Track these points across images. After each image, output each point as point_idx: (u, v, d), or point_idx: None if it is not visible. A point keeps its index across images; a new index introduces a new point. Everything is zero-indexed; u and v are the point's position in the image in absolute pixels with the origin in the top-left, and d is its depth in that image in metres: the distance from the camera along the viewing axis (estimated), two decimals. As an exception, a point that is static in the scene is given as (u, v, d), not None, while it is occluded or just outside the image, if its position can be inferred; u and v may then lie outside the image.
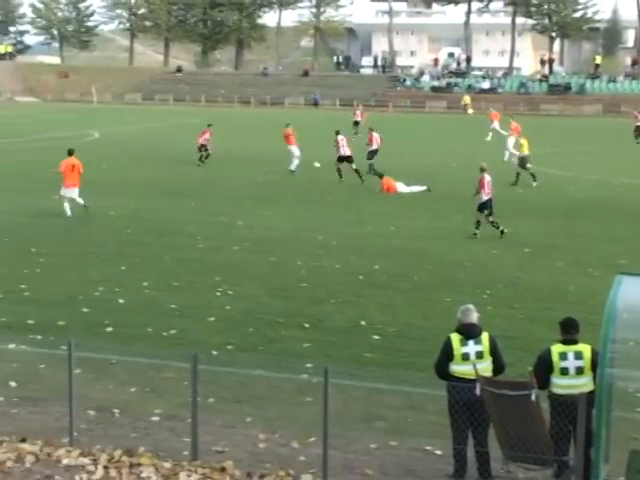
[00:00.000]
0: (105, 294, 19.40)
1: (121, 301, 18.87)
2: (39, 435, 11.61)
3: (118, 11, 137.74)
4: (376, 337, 16.62)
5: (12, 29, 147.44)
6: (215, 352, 15.31)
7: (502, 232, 26.04)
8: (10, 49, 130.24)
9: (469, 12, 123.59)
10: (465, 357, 10.63)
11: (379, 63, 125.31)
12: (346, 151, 38.56)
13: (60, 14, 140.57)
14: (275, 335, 16.73)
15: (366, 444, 11.86)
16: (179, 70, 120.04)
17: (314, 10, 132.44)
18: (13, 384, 13.86)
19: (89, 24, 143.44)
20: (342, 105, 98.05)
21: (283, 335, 16.74)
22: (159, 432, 12.20)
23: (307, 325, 17.35)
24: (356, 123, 62.22)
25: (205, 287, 20.14)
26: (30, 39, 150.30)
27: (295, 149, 41.18)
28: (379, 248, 24.68)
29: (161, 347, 15.47)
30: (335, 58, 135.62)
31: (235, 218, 28.68)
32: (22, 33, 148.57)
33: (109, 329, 16.87)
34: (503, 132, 54.61)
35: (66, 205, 28.86)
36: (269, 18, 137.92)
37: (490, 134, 58.70)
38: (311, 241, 25.61)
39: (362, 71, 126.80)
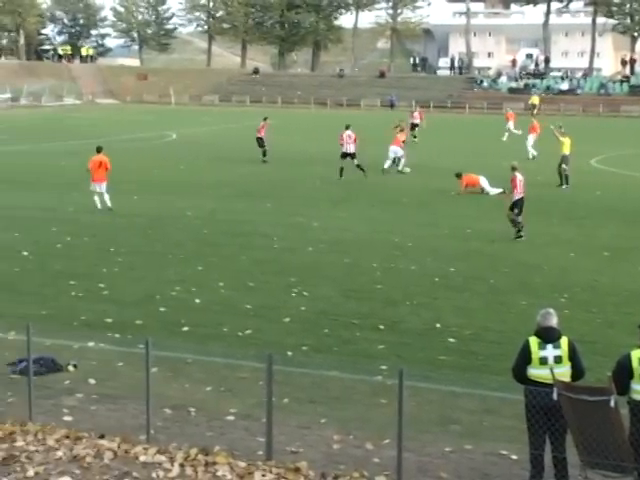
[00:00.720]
0: (182, 294, 19.60)
1: (197, 301, 19.04)
2: (117, 432, 11.76)
3: (196, 14, 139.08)
4: (451, 340, 16.51)
5: (94, 32, 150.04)
6: (290, 353, 15.36)
7: (520, 236, 25.83)
8: (91, 52, 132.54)
9: (548, 12, 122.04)
10: (543, 361, 10.49)
11: (456, 64, 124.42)
12: (349, 148, 38.95)
13: (140, 17, 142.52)
14: (350, 336, 16.71)
15: (441, 447, 11.78)
16: (256, 72, 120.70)
17: (391, 11, 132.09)
18: (92, 381, 14.09)
19: (168, 27, 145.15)
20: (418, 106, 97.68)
21: (358, 336, 16.72)
22: (234, 431, 12.28)
23: (382, 327, 17.31)
24: (414, 126, 56.58)
25: (280, 288, 20.22)
26: (111, 42, 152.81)
27: (398, 150, 41.22)
28: (455, 250, 24.51)
29: (236, 347, 15.57)
30: (412, 59, 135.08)
31: (310, 219, 28.74)
32: (103, 36, 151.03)
33: (185, 328, 17.04)
34: (515, 132, 55.93)
35: (96, 199, 30.26)
36: (346, 20, 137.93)
37: (506, 134, 58.08)
38: (386, 242, 25.54)
39: (439, 72, 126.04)
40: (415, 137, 54.03)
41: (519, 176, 26.20)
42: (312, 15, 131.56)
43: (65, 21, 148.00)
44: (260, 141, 44.97)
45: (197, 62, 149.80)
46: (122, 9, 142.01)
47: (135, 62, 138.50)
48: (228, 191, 35.25)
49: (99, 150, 31.05)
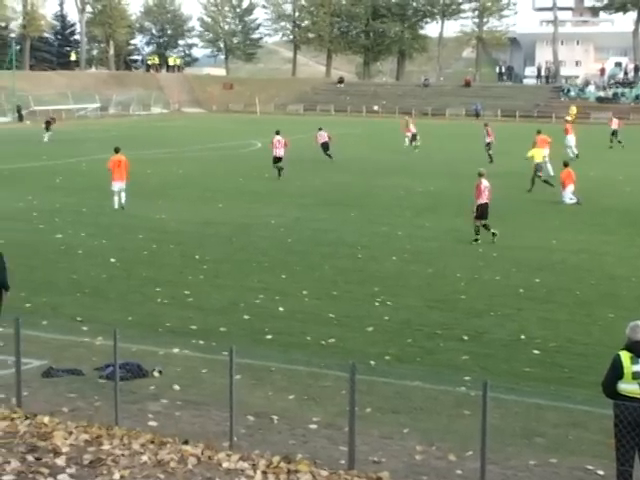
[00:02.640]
0: (265, 302, 19.72)
1: (281, 309, 19.13)
2: (201, 438, 11.87)
3: (282, 23, 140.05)
4: (536, 352, 16.30)
5: (181, 42, 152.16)
6: (373, 362, 15.33)
7: (476, 240, 26.70)
8: (179, 62, 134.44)
9: (638, 20, 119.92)
10: (636, 376, 10.27)
11: (542, 73, 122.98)
12: (278, 152, 42.75)
13: (227, 27, 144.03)
14: (433, 347, 16.62)
15: (525, 460, 11.63)
16: (341, 81, 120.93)
17: (477, 20, 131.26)
18: (177, 387, 14.25)
19: (254, 36, 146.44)
20: (504, 116, 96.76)
21: (441, 347, 16.62)
22: (317, 440, 12.29)
23: (466, 337, 17.18)
24: (488, 145, 51.61)
25: (364, 297, 20.21)
26: (197, 52, 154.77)
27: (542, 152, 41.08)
28: (540, 261, 24.21)
29: (319, 355, 15.60)
30: (497, 68, 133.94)
31: (394, 228, 28.68)
32: (190, 46, 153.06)
33: (269, 336, 17.13)
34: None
35: (115, 199, 32.26)
36: (431, 29, 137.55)
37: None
38: (470, 253, 25.35)
39: (525, 81, 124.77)
40: (491, 159, 51.31)
41: (484, 182, 27.19)
42: (397, 24, 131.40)
43: (153, 32, 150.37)
44: (325, 145, 46.45)
45: (282, 71, 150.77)
46: (209, 19, 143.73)
47: (221, 71, 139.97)
48: (312, 200, 35.38)
49: (117, 150, 33.12)
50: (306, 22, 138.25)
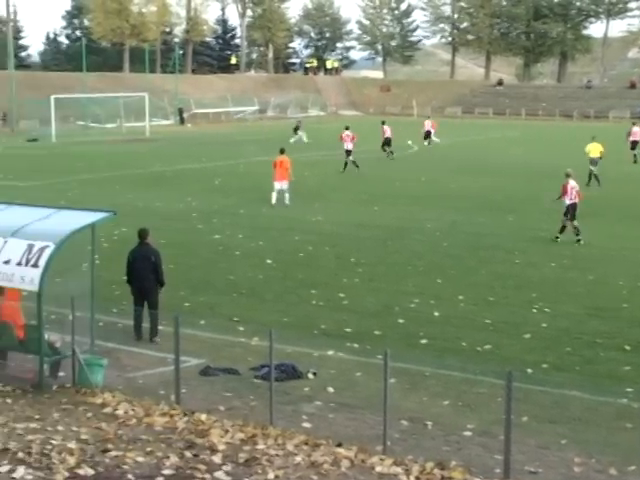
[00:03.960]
0: (420, 306, 19.64)
1: (436, 314, 19.02)
2: (354, 441, 11.91)
3: (441, 25, 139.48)
4: None
5: (339, 45, 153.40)
6: (530, 370, 15.06)
7: (578, 241, 26.96)
8: (336, 64, 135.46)
9: None
10: None
11: None
12: (348, 146, 45.54)
13: (385, 30, 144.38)
14: (593, 356, 16.20)
15: (691, 478, 11.19)
16: (500, 83, 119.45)
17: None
18: (331, 390, 14.34)
19: (412, 39, 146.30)
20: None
21: (601, 356, 16.18)
22: (471, 447, 12.16)
23: (628, 347, 16.67)
24: (634, 144, 50.87)
25: (521, 303, 19.89)
26: (355, 54, 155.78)
27: None
28: None
29: (475, 362, 15.43)
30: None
31: (553, 233, 28.11)
32: (348, 49, 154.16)
33: (423, 341, 17.05)
34: None
35: (273, 195, 33.89)
36: (595, 29, 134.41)
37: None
38: (635, 260, 24.59)
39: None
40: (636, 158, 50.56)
41: (572, 183, 27.35)
42: (560, 25, 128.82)
43: (312, 35, 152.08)
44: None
45: (440, 74, 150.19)
46: (367, 22, 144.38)
47: (378, 74, 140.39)
48: (469, 203, 35.03)
49: (282, 151, 35.03)
50: (465, 24, 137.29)
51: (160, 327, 16.88)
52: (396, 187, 40.02)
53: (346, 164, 45.57)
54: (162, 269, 17.47)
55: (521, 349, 16.60)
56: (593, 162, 40.90)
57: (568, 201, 27.31)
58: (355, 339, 17.04)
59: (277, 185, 34.18)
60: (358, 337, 17.19)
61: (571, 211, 27.32)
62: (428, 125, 65.33)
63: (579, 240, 27.02)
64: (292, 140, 62.37)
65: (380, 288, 21.33)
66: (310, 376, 14.96)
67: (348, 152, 46.22)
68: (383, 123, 55.67)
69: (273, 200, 33.86)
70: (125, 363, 15.69)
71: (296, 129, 65.95)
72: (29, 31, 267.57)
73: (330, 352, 16.10)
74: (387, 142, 54.16)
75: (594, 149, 41.50)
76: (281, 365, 14.62)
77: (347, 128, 48.27)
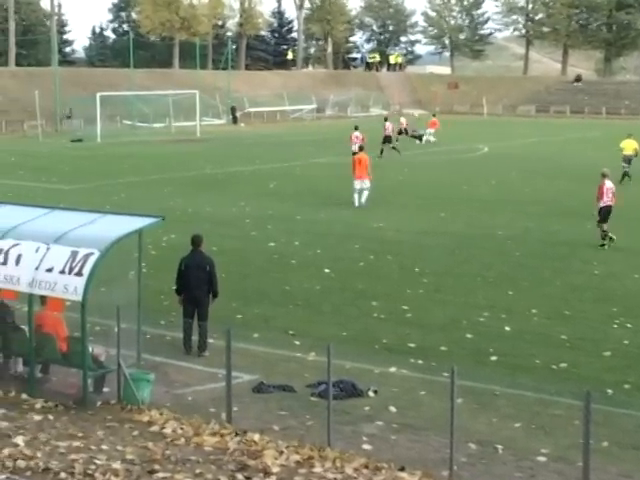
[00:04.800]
0: (490, 320, 19.53)
1: (507, 328, 18.90)
2: (418, 465, 11.88)
3: (514, 17, 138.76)
4: None
5: (403, 39, 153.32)
6: (610, 391, 14.90)
7: (603, 245, 27.21)
8: (400, 60, 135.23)
9: None
10: None
11: None
12: (355, 147, 44.62)
13: (453, 22, 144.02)
14: (680, 376, 15.97)
15: None
16: (578, 79, 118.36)
17: None
18: (393, 409, 14.31)
19: (483, 32, 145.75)
20: None
21: (690, 377, 15.94)
22: (545, 474, 12.05)
23: None
24: None
25: (600, 317, 19.69)
26: (421, 49, 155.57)
27: None
28: None
29: (549, 381, 15.29)
30: None
31: (637, 242, 27.78)
32: (413, 43, 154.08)
33: (493, 358, 16.95)
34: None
35: (355, 197, 34.90)
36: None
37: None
38: None
39: None
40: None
41: (608, 183, 27.57)
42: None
43: (374, 28, 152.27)
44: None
45: (512, 69, 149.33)
46: (434, 14, 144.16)
47: (445, 70, 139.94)
48: (543, 209, 34.78)
49: (361, 149, 36.98)
50: (540, 15, 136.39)
51: (210, 340, 16.98)
52: (464, 191, 39.86)
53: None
54: (217, 279, 17.57)
55: (600, 368, 16.42)
56: (626, 159, 42.11)
57: (602, 203, 27.46)
58: (419, 355, 16.99)
59: (357, 184, 35.15)
60: (422, 353, 17.14)
61: (604, 213, 27.40)
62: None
63: (603, 245, 27.24)
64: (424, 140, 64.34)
65: (447, 300, 21.24)
66: (371, 394, 14.94)
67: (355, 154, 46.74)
68: (385, 120, 58.04)
69: (355, 202, 34.90)
70: (173, 378, 15.80)
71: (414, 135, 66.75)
72: (74, 25, 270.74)
73: (392, 369, 16.07)
74: (387, 139, 55.44)
75: (628, 146, 42.53)
76: (340, 382, 14.63)
77: (356, 128, 49.29)
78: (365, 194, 34.91)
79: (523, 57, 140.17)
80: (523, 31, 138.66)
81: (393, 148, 55.12)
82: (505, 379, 14.94)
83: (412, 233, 29.71)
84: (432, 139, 65.17)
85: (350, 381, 15.05)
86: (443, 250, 27.10)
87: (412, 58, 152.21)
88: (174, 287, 17.88)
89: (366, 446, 12.80)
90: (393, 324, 19.26)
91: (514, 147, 62.70)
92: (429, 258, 25.89)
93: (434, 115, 72.90)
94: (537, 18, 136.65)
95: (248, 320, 19.29)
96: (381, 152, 53.47)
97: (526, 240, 28.51)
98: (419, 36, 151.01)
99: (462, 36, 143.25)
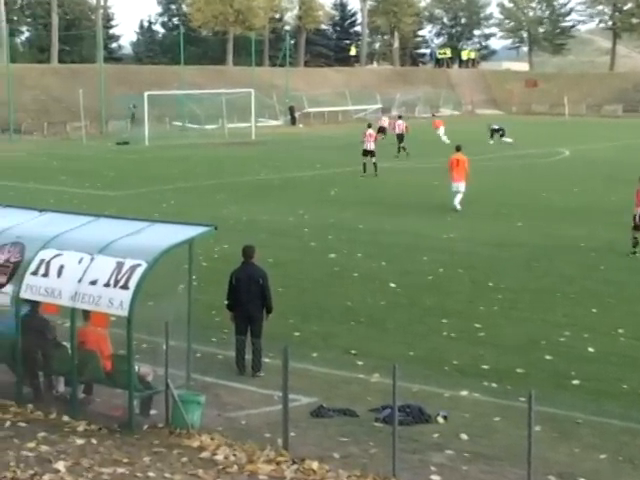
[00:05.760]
0: (572, 340, 19.37)
1: (590, 349, 18.73)
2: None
3: (599, 7, 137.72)
4: None
5: (476, 33, 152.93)
6: None
7: (634, 253, 27.69)
8: (473, 55, 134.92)
9: None
10: None
11: None
12: (369, 146, 48.01)
13: (531, 14, 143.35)
14: None
15: None
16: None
17: None
18: (464, 437, 14.24)
19: (564, 24, 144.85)
20: None
21: None
22: (632, 510, 11.94)
23: None
24: None
25: (696, 339, 19.45)
26: (496, 43, 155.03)
27: None
28: None
29: (638, 408, 15.11)
30: None
31: None
32: (487, 37, 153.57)
33: (575, 382, 16.81)
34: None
35: (456, 200, 35.73)
36: None
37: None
38: None
39: None
40: None
41: None
42: None
43: (445, 21, 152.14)
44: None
45: (598, 65, 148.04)
46: (511, 5, 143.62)
47: (523, 66, 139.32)
48: (631, 219, 34.37)
49: (458, 149, 37.05)
50: (629, 4, 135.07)
51: (265, 360, 17.04)
52: (542, 199, 39.61)
53: (365, 166, 47.75)
54: (270, 292, 17.63)
55: (697, 394, 16.23)
56: None
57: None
58: (493, 378, 16.90)
59: (455, 186, 36.14)
60: (497, 375, 17.05)
61: (639, 220, 27.79)
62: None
63: (635, 252, 27.71)
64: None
65: (523, 318, 21.12)
66: (440, 420, 14.89)
67: (369, 153, 48.23)
68: (399, 117, 64.01)
69: (457, 205, 35.63)
70: (225, 401, 15.88)
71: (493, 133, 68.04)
72: (120, 19, 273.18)
73: (464, 392, 16.00)
74: (400, 138, 59.06)
75: None
76: (406, 407, 14.60)
77: (369, 126, 51.36)
78: (459, 197, 35.84)
79: (609, 52, 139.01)
80: (610, 23, 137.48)
81: (402, 148, 58.24)
82: (588, 405, 14.80)
83: (485, 244, 29.58)
84: (446, 140, 65.23)
85: (417, 405, 15.01)
86: (519, 263, 26.95)
87: (486, 53, 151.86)
88: (225, 302, 17.97)
89: (435, 477, 12.76)
90: (465, 343, 19.19)
91: (598, 151, 62.19)
92: (504, 272, 25.75)
93: (433, 115, 74.26)
94: (625, 8, 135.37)
95: (306, 338, 19.33)
96: (398, 150, 57.90)
97: (612, 253, 28.26)
98: (494, 29, 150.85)
99: (542, 29, 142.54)
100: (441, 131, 68.48)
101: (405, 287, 23.95)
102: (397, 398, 12.70)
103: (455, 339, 19.54)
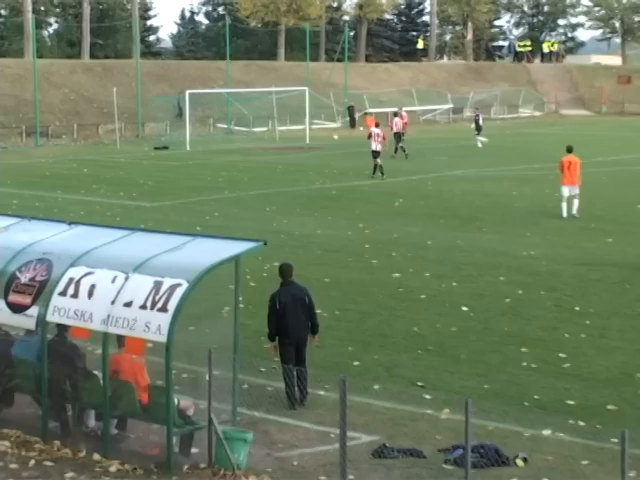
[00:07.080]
0: (668, 373, 19.24)
1: (694, 383, 18.59)
2: None
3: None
4: None
5: (561, 22, 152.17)
6: None
7: None
8: (557, 48, 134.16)
9: None
10: None
11: None
12: (376, 147, 50.80)
13: (625, 1, 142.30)
14: None
15: None
16: None
17: None
18: (551, 483, 14.16)
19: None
20: None
21: None
22: None
23: None
24: None
25: None
26: (584, 34, 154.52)
27: None
28: None
29: None
30: None
31: None
32: (574, 27, 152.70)
33: (674, 420, 16.67)
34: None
35: (563, 205, 37.03)
36: None
37: None
38: None
39: None
40: None
41: None
42: None
43: (525, 9, 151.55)
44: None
45: None
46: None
47: (615, 60, 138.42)
48: None
49: (570, 150, 38.09)
50: None
51: (321, 392, 17.06)
52: (637, 211, 39.32)
53: (375, 168, 50.39)
54: (314, 311, 17.72)
55: None
56: None
57: None
58: (581, 415, 16.80)
59: (566, 191, 37.29)
60: (585, 412, 16.95)
61: None
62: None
63: None
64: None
65: (615, 347, 20.99)
66: (519, 463, 14.81)
67: (375, 154, 51.07)
68: (395, 115, 65.12)
69: (563, 212, 36.85)
70: (276, 438, 15.90)
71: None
72: (159, 9, 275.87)
73: (546, 432, 15.92)
74: (397, 136, 61.82)
75: None
76: (480, 447, 14.54)
77: (377, 125, 54.34)
78: (576, 203, 36.82)
79: None
80: None
81: (401, 148, 61.13)
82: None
83: (571, 263, 29.42)
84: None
85: (493, 446, 14.94)
86: (610, 285, 26.78)
87: (572, 46, 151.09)
88: (267, 331, 17.87)
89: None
90: (547, 376, 19.10)
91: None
92: (592, 294, 25.60)
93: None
94: None
95: (367, 368, 19.34)
96: (395, 150, 60.75)
97: None
98: (581, 18, 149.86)
99: (637, 18, 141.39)
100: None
101: (479, 311, 23.87)
102: (470, 437, 12.65)
103: (536, 370, 19.44)
